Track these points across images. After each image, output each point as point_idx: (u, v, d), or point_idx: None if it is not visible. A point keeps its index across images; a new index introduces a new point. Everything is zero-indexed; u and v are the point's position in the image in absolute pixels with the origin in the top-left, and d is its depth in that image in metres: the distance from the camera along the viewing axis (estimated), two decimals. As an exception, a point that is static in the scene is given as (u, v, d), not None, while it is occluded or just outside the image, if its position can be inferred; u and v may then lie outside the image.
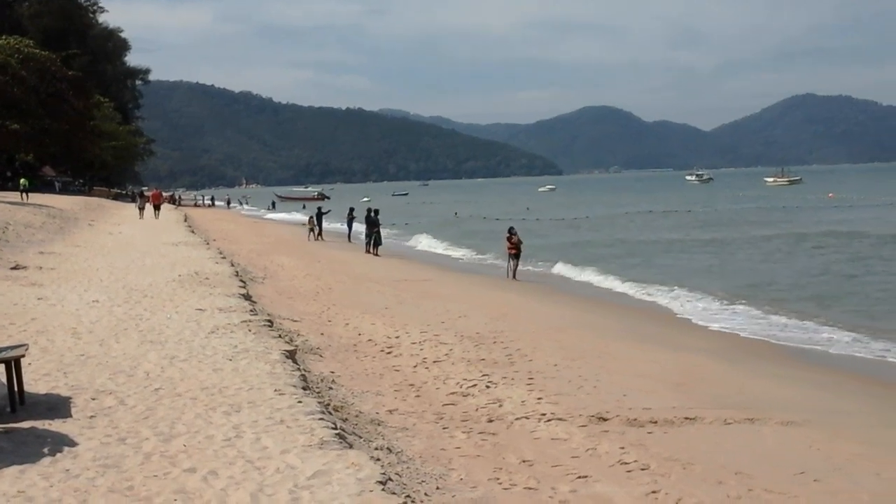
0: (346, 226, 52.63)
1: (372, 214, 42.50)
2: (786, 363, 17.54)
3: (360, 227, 47.72)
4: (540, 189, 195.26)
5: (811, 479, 9.47)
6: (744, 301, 25.94)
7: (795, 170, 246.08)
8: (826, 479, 9.47)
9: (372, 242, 41.84)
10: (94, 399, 10.11)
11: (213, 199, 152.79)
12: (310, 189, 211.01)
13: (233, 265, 27.77)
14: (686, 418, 11.82)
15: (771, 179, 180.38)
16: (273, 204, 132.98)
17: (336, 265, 34.26)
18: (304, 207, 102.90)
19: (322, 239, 50.19)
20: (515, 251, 32.99)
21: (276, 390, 10.42)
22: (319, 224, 51.41)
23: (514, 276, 32.66)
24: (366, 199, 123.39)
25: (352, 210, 51.79)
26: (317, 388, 11.71)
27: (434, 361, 15.04)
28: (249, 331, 14.63)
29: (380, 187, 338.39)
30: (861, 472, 9.87)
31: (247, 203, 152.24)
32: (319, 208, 55.43)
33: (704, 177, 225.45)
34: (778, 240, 47.34)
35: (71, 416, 9.39)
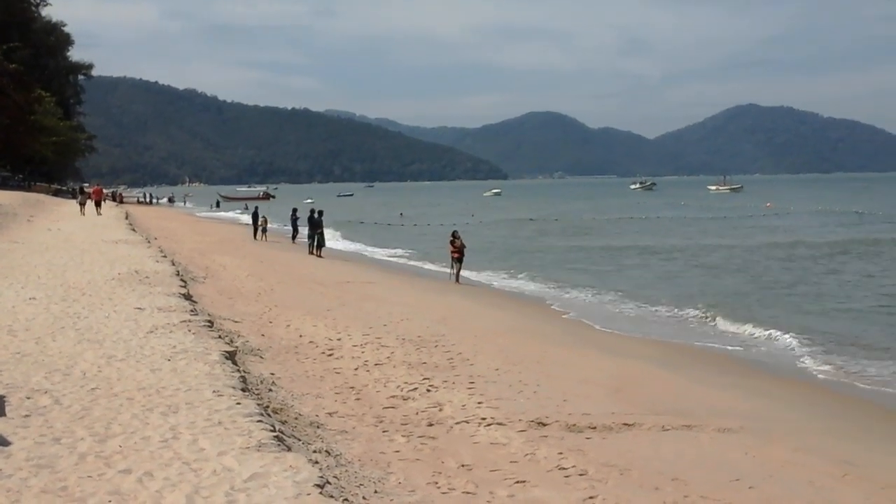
0: (290, 226, 52.43)
1: (315, 216, 42.31)
2: (723, 370, 17.75)
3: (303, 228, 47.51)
4: (485, 193, 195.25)
5: (746, 485, 9.59)
6: (681, 308, 26.19)
7: (737, 179, 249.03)
8: (760, 486, 9.60)
9: (315, 244, 41.65)
10: (28, 398, 9.95)
11: (151, 196, 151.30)
12: (254, 188, 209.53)
13: (174, 264, 27.49)
14: (624, 424, 11.92)
15: (714, 187, 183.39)
16: (217, 203, 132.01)
17: (279, 266, 34.08)
18: (246, 208, 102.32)
19: (260, 239, 49.93)
20: (458, 255, 33.02)
21: (214, 391, 10.32)
22: (255, 224, 51.37)
23: (456, 280, 32.70)
24: (309, 199, 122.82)
25: (295, 211, 51.57)
26: (256, 389, 11.63)
27: (375, 364, 15.01)
28: (189, 331, 14.48)
29: (325, 188, 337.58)
30: (795, 479, 10.02)
31: (185, 202, 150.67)
32: (256, 208, 55.74)
33: (648, 183, 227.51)
34: (717, 248, 47.85)
35: (5, 414, 9.23)
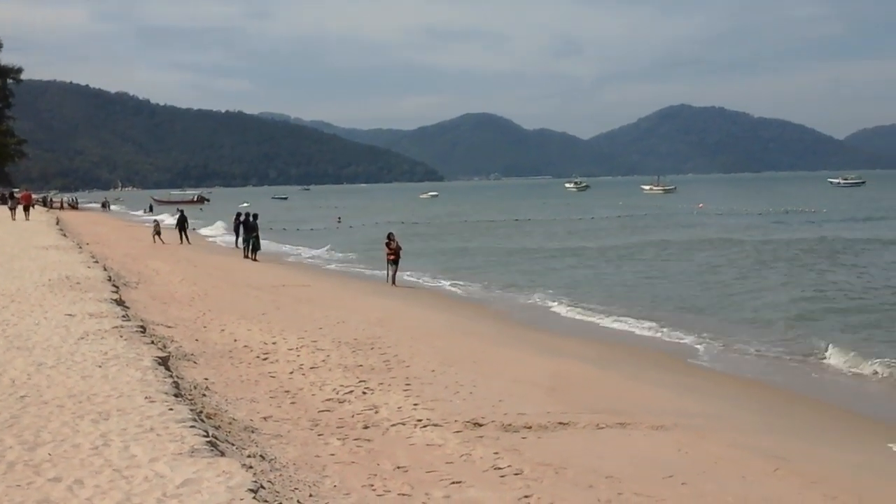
0: (232, 231, 51.84)
1: (250, 219, 42.06)
2: (657, 367, 17.94)
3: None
4: (422, 195, 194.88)
5: (679, 482, 9.70)
6: (616, 307, 26.42)
7: (670, 179, 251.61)
8: (693, 483, 9.71)
9: (250, 247, 41.35)
10: (-45, 407, 9.78)
11: (75, 199, 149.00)
12: (188, 192, 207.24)
13: (105, 269, 27.18)
14: (559, 423, 12.00)
15: (647, 187, 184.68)
16: (150, 207, 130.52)
17: (213, 270, 33.79)
18: (177, 211, 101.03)
19: (157, 242, 49.12)
20: (394, 257, 32.96)
21: (146, 397, 10.22)
22: (183, 228, 50.70)
23: (392, 282, 32.65)
24: (245, 203, 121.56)
25: (238, 215, 51.07)
26: (189, 395, 11.52)
27: (311, 368, 14.95)
28: (121, 337, 14.33)
29: (260, 191, 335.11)
30: (727, 475, 10.15)
31: (110, 206, 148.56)
32: (182, 211, 55.40)
33: (582, 184, 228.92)
34: (649, 248, 48.28)
35: (-70, 425, 9.06)
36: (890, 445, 12.70)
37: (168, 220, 67.85)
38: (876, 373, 17.56)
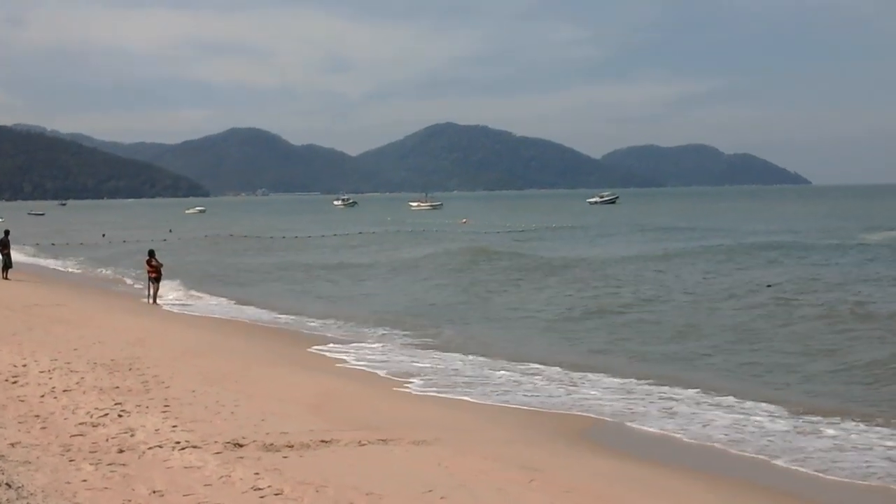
0: None
1: (2, 235, 40.06)
2: (420, 383, 18.16)
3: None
4: (187, 211, 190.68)
5: (438, 496, 9.87)
6: (381, 324, 26.65)
7: (437, 195, 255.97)
8: (452, 496, 9.90)
9: (1, 265, 39.33)
10: None
11: None
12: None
13: None
14: (322, 441, 12.01)
15: (415, 204, 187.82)
16: None
17: (-41, 289, 32.00)
18: None
19: None
20: (156, 275, 32.09)
21: None
22: None
23: (154, 301, 31.79)
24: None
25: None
26: (-72, 423, 10.88)
27: (64, 391, 14.39)
28: None
29: (13, 206, 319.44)
30: (484, 487, 10.40)
31: None
32: None
33: (349, 201, 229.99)
34: (417, 262, 48.89)
35: None
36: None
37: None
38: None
